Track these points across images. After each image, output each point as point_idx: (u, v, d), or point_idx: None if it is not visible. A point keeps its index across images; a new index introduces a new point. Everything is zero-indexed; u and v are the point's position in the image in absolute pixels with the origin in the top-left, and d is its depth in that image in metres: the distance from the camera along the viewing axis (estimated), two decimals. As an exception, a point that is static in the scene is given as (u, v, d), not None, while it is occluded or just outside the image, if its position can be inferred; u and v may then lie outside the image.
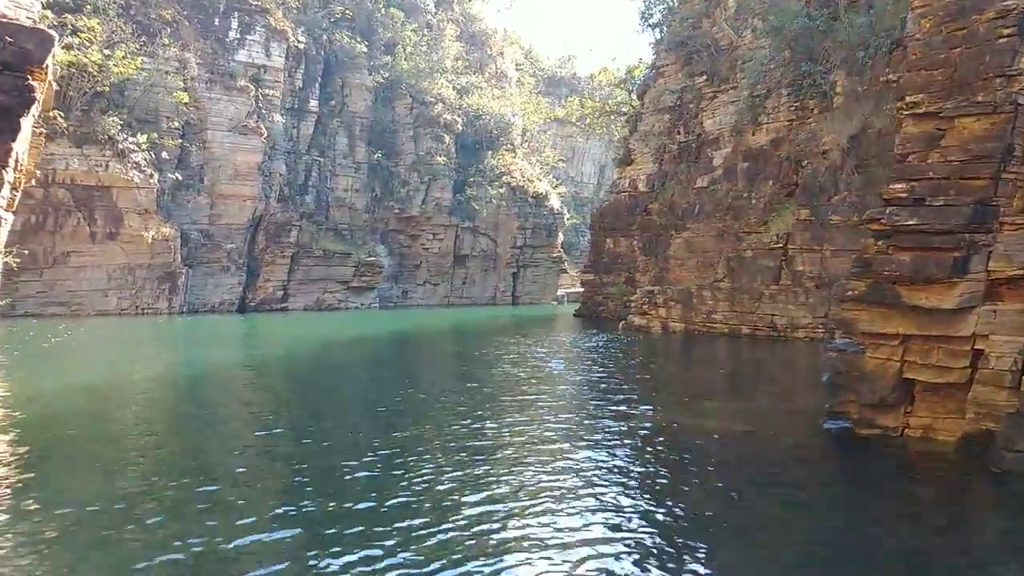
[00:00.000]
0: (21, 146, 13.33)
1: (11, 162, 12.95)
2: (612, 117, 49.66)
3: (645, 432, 11.04)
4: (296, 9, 50.70)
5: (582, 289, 76.45)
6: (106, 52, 37.00)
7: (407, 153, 57.32)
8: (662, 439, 10.64)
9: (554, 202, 64.05)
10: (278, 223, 48.45)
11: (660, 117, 36.73)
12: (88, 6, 37.71)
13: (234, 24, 46.47)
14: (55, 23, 35.59)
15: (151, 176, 39.06)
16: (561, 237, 66.15)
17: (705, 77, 34.07)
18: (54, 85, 16.98)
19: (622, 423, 11.69)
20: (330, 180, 54.09)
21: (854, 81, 23.66)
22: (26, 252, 35.58)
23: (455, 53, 62.27)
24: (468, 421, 11.67)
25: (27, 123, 13.22)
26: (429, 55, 59.31)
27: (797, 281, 24.90)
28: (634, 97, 43.35)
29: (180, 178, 42.07)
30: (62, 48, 35.37)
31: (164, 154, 40.21)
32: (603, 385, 16.18)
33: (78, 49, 36.00)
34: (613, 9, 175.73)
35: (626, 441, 10.50)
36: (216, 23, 46.08)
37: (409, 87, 57.59)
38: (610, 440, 10.54)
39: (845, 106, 23.94)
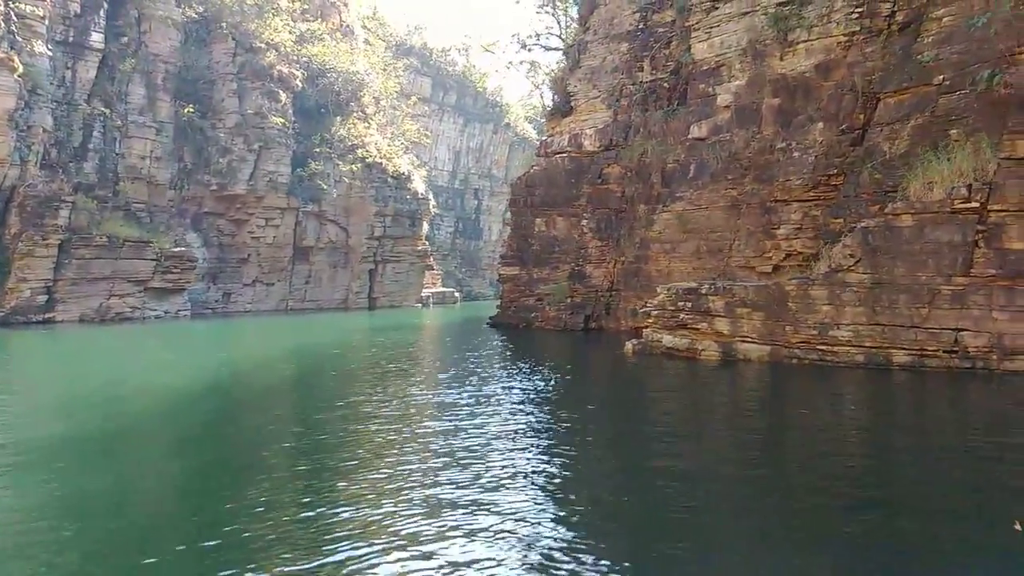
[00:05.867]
0: None
1: None
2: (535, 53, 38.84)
3: None
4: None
5: (447, 289, 65.89)
6: None
7: (229, 112, 43.71)
8: None
9: (418, 185, 52.88)
10: (40, 198, 33.68)
11: (615, 47, 26.92)
12: None
13: None
14: None
15: None
16: (426, 227, 55.01)
17: (690, -17, 24.47)
18: None
19: None
20: (120, 142, 39.55)
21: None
22: None
23: (292, -9, 49.33)
24: None
25: None
26: (259, -12, 46.04)
27: (1009, 269, 13.96)
28: (570, 21, 33.12)
29: None
30: None
31: None
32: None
33: None
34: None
35: None
36: None
37: (232, 27, 44.12)
38: None
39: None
